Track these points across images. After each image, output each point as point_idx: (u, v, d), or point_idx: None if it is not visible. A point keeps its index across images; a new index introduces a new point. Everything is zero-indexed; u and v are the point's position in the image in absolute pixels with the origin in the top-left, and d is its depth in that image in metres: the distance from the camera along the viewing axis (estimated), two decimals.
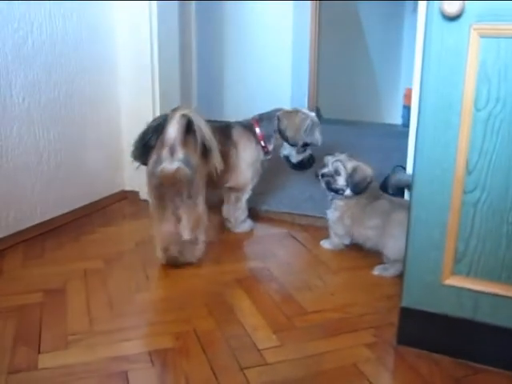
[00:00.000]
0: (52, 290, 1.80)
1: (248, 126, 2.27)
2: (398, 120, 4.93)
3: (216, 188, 2.24)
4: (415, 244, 1.39)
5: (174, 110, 1.82)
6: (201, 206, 1.92)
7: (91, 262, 2.02)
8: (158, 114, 2.59)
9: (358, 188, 2.02)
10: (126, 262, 2.05)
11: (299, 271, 2.01)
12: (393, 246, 1.89)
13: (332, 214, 2.12)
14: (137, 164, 1.91)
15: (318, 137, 2.27)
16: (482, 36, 1.19)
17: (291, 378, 1.37)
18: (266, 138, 2.26)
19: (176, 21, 2.73)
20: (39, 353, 1.46)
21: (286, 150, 2.33)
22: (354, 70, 5.27)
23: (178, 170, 1.78)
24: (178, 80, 2.81)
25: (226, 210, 2.36)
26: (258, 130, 2.25)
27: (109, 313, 1.67)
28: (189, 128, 1.79)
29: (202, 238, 1.98)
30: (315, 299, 1.78)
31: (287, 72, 4.28)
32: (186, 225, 1.91)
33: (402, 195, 2.16)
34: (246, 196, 2.30)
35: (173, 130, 1.77)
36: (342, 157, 2.07)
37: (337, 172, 2.04)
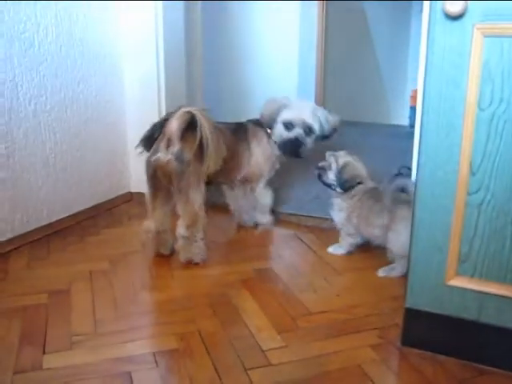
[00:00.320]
0: (57, 291, 1.81)
1: (260, 123, 2.33)
2: (405, 121, 4.92)
3: (231, 183, 2.36)
4: (419, 245, 1.39)
5: (181, 107, 1.88)
6: (196, 203, 1.94)
7: (96, 263, 2.03)
8: (163, 115, 2.59)
9: (344, 185, 2.03)
10: (131, 263, 2.05)
11: (304, 272, 2.01)
12: (397, 242, 1.88)
13: (338, 216, 2.12)
14: (140, 149, 1.96)
15: (297, 116, 2.25)
16: (486, 35, 1.18)
17: (295, 379, 1.37)
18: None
19: (182, 21, 2.74)
20: (44, 353, 1.46)
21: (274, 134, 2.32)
22: (360, 70, 5.26)
23: (168, 162, 1.84)
24: (183, 81, 2.82)
25: (247, 205, 2.40)
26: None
27: (113, 314, 1.68)
28: (192, 125, 1.84)
29: (199, 235, 2.00)
30: (320, 300, 1.77)
31: (294, 72, 4.28)
32: (182, 221, 1.96)
33: None
34: (261, 184, 2.34)
35: (173, 125, 1.83)
36: (341, 153, 2.08)
37: (329, 166, 2.06)
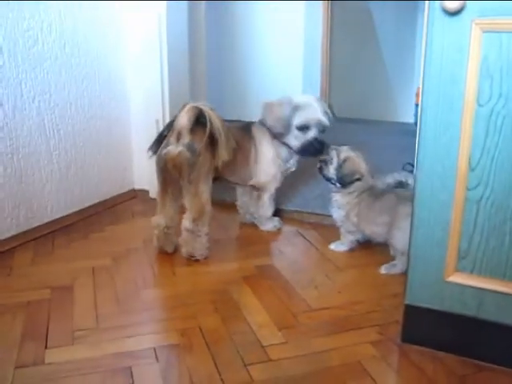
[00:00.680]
0: (60, 287, 1.83)
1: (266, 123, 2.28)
2: (411, 119, 4.90)
3: (237, 181, 2.32)
4: (418, 241, 1.39)
5: (188, 103, 1.92)
6: (204, 196, 1.97)
7: (99, 260, 2.04)
8: (167, 113, 2.62)
9: (344, 180, 2.03)
10: (134, 259, 2.07)
11: (306, 269, 2.01)
12: (402, 239, 1.88)
13: (337, 213, 2.12)
14: (150, 154, 2.01)
15: (312, 117, 2.20)
16: (484, 31, 1.18)
17: (295, 375, 1.37)
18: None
19: (185, 20, 2.74)
20: (46, 348, 1.48)
21: (288, 138, 2.25)
22: (366, 68, 5.25)
23: (180, 153, 1.88)
24: (187, 79, 2.83)
25: (250, 206, 2.40)
26: None
27: (115, 309, 1.69)
28: (200, 119, 1.89)
29: (204, 230, 2.01)
30: (321, 297, 1.78)
31: (299, 71, 4.28)
32: (189, 214, 1.98)
33: None
34: (267, 194, 2.31)
35: (182, 119, 1.88)
36: (343, 148, 2.08)
37: (330, 160, 2.07)
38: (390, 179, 2.02)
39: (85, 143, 2.47)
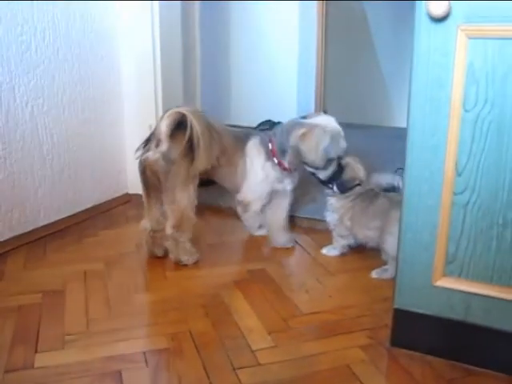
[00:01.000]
0: (51, 291, 1.83)
1: (264, 140, 2.11)
2: None
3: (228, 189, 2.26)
4: (406, 246, 1.40)
5: (171, 108, 1.92)
6: (182, 203, 1.95)
7: (91, 264, 2.05)
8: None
9: (344, 186, 2.03)
10: (126, 263, 2.07)
11: (297, 273, 2.02)
12: (392, 243, 1.89)
13: (331, 217, 2.12)
14: (136, 156, 2.00)
15: (342, 146, 2.05)
16: (470, 37, 1.19)
17: (283, 379, 1.37)
18: (280, 155, 2.07)
19: (179, 22, 2.75)
20: (36, 352, 1.48)
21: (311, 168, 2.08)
22: (362, 71, 5.25)
23: (156, 160, 1.89)
24: (181, 82, 2.84)
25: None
26: (270, 145, 2.08)
27: (106, 314, 1.69)
28: (184, 125, 1.87)
29: (185, 236, 2.00)
30: (312, 301, 1.78)
31: (293, 73, 4.27)
32: (169, 221, 1.97)
33: None
34: (252, 211, 2.19)
35: (161, 125, 1.88)
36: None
37: None
38: (383, 180, 2.03)
39: (78, 148, 2.47)
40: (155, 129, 1.93)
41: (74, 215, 2.48)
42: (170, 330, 1.60)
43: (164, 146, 1.87)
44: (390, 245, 1.90)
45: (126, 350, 1.49)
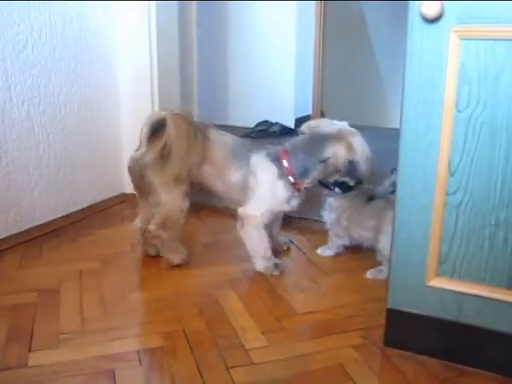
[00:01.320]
0: (47, 290, 1.83)
1: (272, 156, 1.92)
2: None
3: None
4: (399, 246, 1.40)
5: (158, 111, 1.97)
6: (167, 205, 1.95)
7: (87, 263, 2.05)
8: None
9: (347, 187, 2.03)
10: (122, 262, 2.07)
11: (292, 273, 2.02)
12: (386, 243, 1.89)
13: (328, 216, 2.13)
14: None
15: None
16: (462, 38, 1.19)
17: (276, 378, 1.38)
18: (300, 173, 1.89)
19: (175, 22, 2.75)
20: (30, 351, 1.48)
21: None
22: (359, 72, 5.25)
23: (134, 162, 1.94)
24: (177, 82, 2.84)
25: None
26: (285, 162, 1.88)
27: (101, 312, 1.70)
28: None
29: (169, 234, 1.99)
30: (306, 301, 1.79)
31: (291, 74, 4.28)
32: (154, 219, 1.99)
33: None
34: (251, 228, 1.96)
35: (143, 127, 1.88)
36: None
37: None
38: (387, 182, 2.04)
39: (74, 147, 2.47)
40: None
41: (69, 214, 2.48)
42: (163, 328, 1.60)
43: (143, 149, 1.89)
44: (384, 245, 1.91)
45: (119, 349, 1.50)
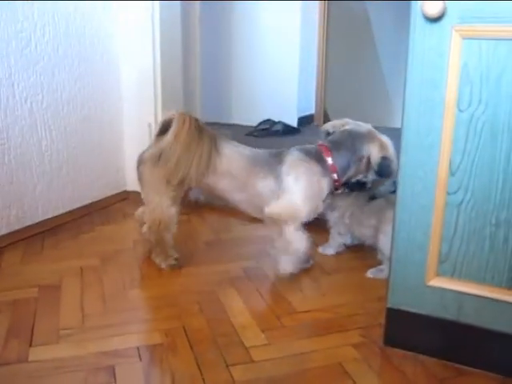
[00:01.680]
0: (47, 286, 1.84)
1: (312, 153, 1.85)
2: None
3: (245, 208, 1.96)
4: (400, 245, 1.40)
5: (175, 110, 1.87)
6: (158, 209, 1.90)
7: (88, 260, 2.06)
8: (159, 115, 2.62)
9: (356, 185, 2.03)
10: (122, 260, 2.08)
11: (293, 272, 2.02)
12: (387, 243, 1.89)
13: (331, 215, 2.13)
14: None
15: None
16: (464, 37, 1.19)
17: (276, 376, 1.38)
18: (341, 171, 1.86)
19: (179, 22, 2.76)
20: (30, 346, 1.49)
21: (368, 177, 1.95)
22: (363, 71, 5.25)
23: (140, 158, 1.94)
24: (181, 82, 2.84)
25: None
26: (329, 159, 1.84)
27: (101, 309, 1.70)
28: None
29: (157, 239, 1.95)
30: (306, 299, 1.79)
31: (294, 74, 4.27)
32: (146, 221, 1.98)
33: None
34: (292, 228, 1.84)
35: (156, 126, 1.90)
36: None
37: None
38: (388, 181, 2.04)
39: (77, 144, 2.48)
40: None
41: (71, 211, 2.49)
42: (164, 325, 1.60)
43: (149, 151, 1.89)
44: (384, 244, 1.91)
45: (120, 345, 1.50)
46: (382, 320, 1.53)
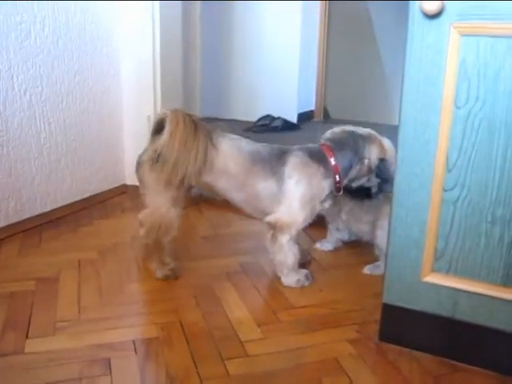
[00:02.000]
0: (45, 279, 1.84)
1: (315, 154, 1.81)
2: None
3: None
4: (396, 241, 1.40)
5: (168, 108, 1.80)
6: (157, 213, 1.82)
7: (86, 253, 2.06)
8: (158, 110, 2.63)
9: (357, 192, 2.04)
10: (120, 253, 2.08)
11: None
12: (384, 238, 1.89)
13: (330, 210, 2.13)
14: None
15: None
16: (462, 34, 1.19)
17: (270, 370, 1.38)
18: (343, 172, 1.82)
19: (179, 20, 2.76)
20: (27, 338, 1.49)
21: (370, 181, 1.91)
22: (363, 69, 5.25)
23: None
24: (180, 77, 2.84)
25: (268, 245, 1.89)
26: (332, 159, 1.80)
27: (98, 302, 1.71)
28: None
29: (151, 243, 1.86)
30: (303, 295, 1.79)
31: (294, 71, 4.28)
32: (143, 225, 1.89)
33: None
34: (286, 237, 1.80)
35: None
36: None
37: None
38: None
39: (76, 137, 2.48)
40: None
41: (70, 204, 2.49)
42: (160, 319, 1.61)
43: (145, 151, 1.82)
44: (381, 240, 1.91)
45: (115, 338, 1.50)
46: (378, 316, 1.54)
